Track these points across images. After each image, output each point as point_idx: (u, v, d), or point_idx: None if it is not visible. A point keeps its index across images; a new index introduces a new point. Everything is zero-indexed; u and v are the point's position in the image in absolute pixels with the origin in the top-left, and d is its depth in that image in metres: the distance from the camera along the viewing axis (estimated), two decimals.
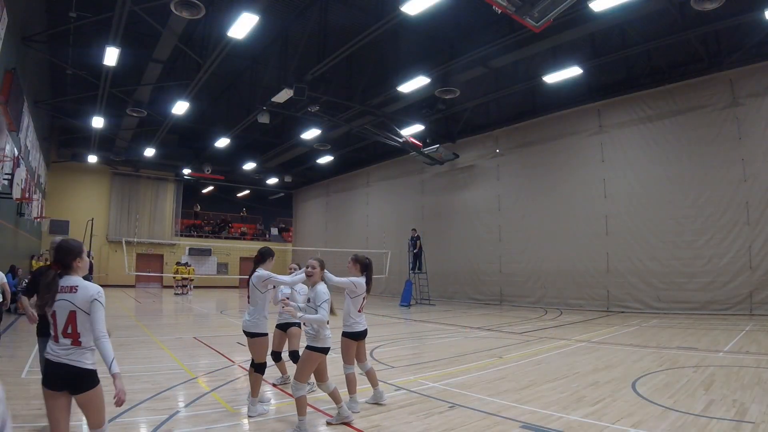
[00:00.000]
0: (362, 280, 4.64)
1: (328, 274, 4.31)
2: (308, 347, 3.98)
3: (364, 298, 4.68)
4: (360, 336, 4.64)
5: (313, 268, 4.06)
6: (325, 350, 3.98)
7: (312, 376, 4.09)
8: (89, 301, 2.54)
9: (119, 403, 2.52)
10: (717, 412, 4.15)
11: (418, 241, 17.75)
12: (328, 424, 4.06)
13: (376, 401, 4.65)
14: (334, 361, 4.85)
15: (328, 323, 4.02)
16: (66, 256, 2.65)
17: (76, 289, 2.55)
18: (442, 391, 5.17)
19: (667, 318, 11.78)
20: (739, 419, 3.92)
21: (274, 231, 33.98)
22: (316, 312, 3.91)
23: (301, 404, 3.82)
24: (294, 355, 5.16)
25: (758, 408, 4.21)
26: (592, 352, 7.46)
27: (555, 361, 6.80)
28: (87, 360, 2.54)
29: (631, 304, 13.55)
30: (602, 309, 14.06)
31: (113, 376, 2.50)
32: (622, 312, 13.40)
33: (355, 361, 4.65)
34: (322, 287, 4.04)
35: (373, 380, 4.70)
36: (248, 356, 7.03)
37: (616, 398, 4.72)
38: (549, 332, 9.93)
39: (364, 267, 4.67)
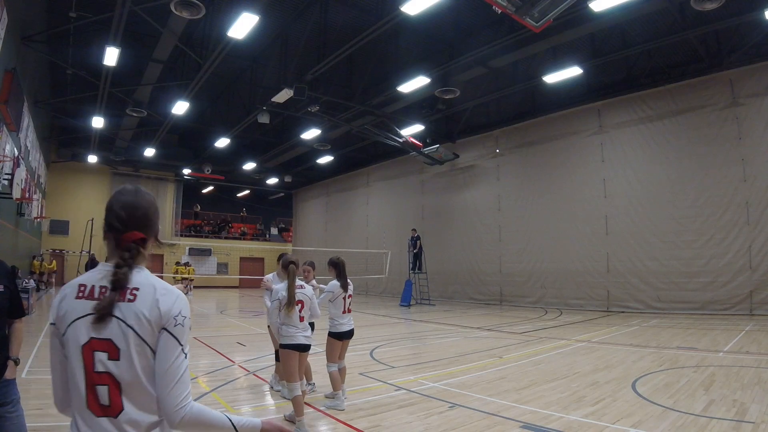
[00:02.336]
0: (335, 282, 4.74)
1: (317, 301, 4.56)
2: (281, 345, 4.06)
3: (344, 298, 4.74)
4: (343, 336, 4.74)
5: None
6: (292, 347, 4.00)
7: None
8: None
9: None
10: (717, 412, 4.15)
11: (418, 241, 17.74)
12: (284, 417, 4.09)
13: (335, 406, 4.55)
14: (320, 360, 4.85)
15: (299, 322, 4.10)
16: None
17: None
18: (442, 391, 5.17)
19: (667, 318, 11.78)
20: (739, 419, 3.92)
21: (274, 231, 33.99)
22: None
23: (297, 404, 3.85)
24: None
25: (758, 408, 4.21)
26: (592, 352, 7.47)
27: (555, 361, 6.80)
28: None
29: (631, 304, 13.54)
30: (602, 309, 14.06)
31: None
32: (622, 312, 13.39)
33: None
34: (279, 286, 4.20)
35: (342, 378, 4.74)
36: (247, 356, 7.06)
37: (616, 398, 4.72)
38: (549, 332, 9.93)
39: (334, 266, 4.80)
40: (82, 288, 1.26)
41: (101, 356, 1.19)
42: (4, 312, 2.32)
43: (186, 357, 1.26)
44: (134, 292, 1.24)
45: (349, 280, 4.89)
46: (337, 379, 4.57)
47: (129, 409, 1.20)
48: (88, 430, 1.19)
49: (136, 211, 1.33)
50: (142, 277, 1.28)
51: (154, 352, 1.22)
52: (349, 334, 4.79)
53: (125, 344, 1.20)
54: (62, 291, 1.28)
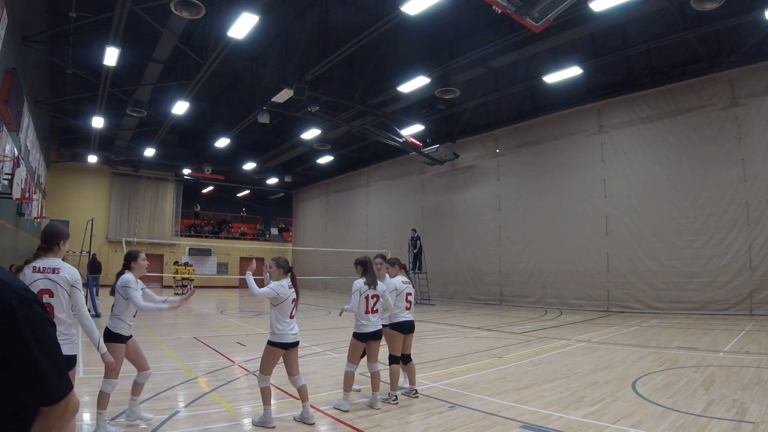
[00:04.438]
0: (360, 280, 4.68)
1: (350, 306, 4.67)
2: (269, 342, 4.14)
3: (368, 298, 4.60)
4: (365, 337, 4.61)
5: (270, 267, 4.32)
6: (276, 344, 4.07)
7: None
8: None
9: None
10: (717, 412, 4.15)
11: (418, 241, 17.74)
12: (294, 419, 4.09)
13: (371, 405, 4.56)
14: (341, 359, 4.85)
15: (294, 321, 4.19)
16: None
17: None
18: (442, 391, 5.17)
19: (667, 318, 11.78)
20: (739, 419, 3.92)
21: (274, 231, 33.97)
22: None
23: (264, 394, 3.97)
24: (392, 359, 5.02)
25: (758, 408, 4.21)
26: (592, 352, 7.47)
27: (555, 361, 6.80)
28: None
29: (631, 304, 13.54)
30: (602, 309, 14.06)
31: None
32: (622, 312, 13.39)
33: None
34: (275, 284, 4.23)
35: (375, 383, 4.61)
36: (247, 356, 7.06)
37: (616, 398, 4.72)
38: (549, 332, 9.93)
39: (361, 265, 4.78)
40: (36, 268, 2.91)
41: (46, 296, 2.88)
42: None
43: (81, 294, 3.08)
44: (57, 269, 2.97)
45: (378, 281, 4.76)
46: (349, 380, 4.52)
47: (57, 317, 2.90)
48: None
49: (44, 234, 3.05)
50: (59, 262, 3.03)
51: (69, 295, 3.00)
52: (373, 336, 4.62)
53: (56, 290, 2.93)
54: (24, 273, 2.91)
